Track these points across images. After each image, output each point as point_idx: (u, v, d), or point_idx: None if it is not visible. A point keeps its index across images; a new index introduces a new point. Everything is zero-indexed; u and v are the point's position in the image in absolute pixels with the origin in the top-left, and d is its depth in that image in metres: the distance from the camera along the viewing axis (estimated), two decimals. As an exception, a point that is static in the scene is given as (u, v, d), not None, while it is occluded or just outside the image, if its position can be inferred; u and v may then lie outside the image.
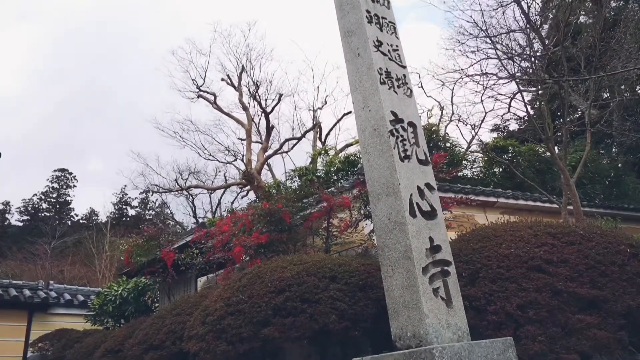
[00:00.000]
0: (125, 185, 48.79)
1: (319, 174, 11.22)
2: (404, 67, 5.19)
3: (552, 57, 11.28)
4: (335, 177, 10.86)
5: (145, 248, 8.94)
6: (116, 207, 50.42)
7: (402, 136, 4.74)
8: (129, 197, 50.43)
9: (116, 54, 61.41)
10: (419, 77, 18.90)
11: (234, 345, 4.52)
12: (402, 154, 4.62)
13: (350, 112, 18.56)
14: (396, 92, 4.97)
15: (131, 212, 51.85)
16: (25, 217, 49.37)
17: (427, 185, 4.70)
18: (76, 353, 9.18)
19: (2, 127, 55.86)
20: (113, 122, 62.89)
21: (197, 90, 18.54)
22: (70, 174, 53.09)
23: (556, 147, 10.18)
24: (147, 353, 5.93)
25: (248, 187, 16.83)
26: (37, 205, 50.99)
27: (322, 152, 12.17)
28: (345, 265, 5.39)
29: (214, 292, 5.66)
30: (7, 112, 59.40)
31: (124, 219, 48.88)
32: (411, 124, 4.97)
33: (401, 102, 4.98)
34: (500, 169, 13.01)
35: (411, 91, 5.22)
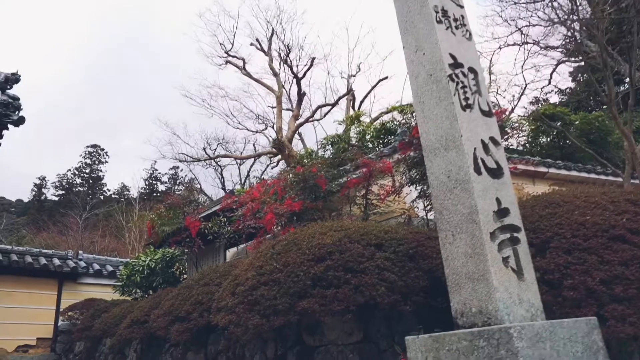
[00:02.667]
0: (156, 161, 49.19)
1: (352, 142, 10.56)
2: (462, 6, 4.45)
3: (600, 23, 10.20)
4: (370, 145, 10.17)
5: (169, 217, 8.50)
6: (146, 182, 51.03)
7: (462, 82, 4.02)
8: (159, 173, 50.94)
9: (144, 26, 61.34)
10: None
11: (268, 318, 3.99)
12: (464, 103, 3.92)
13: (386, 78, 17.60)
14: (454, 34, 4.24)
15: (161, 187, 52.34)
16: (60, 192, 50.46)
17: (492, 139, 3.99)
18: (103, 323, 8.94)
19: (38, 105, 56.79)
20: (143, 99, 63.23)
21: (226, 55, 17.82)
22: (102, 149, 53.84)
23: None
24: (172, 325, 5.49)
25: (278, 157, 16.22)
26: (71, 180, 52.02)
27: (356, 119, 11.47)
28: (391, 232, 4.79)
29: (244, 261, 5.15)
30: (44, 89, 60.35)
31: (154, 194, 49.38)
32: (471, 69, 4.24)
33: (460, 44, 4.25)
34: (549, 139, 12.06)
35: (470, 34, 4.48)
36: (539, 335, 3.05)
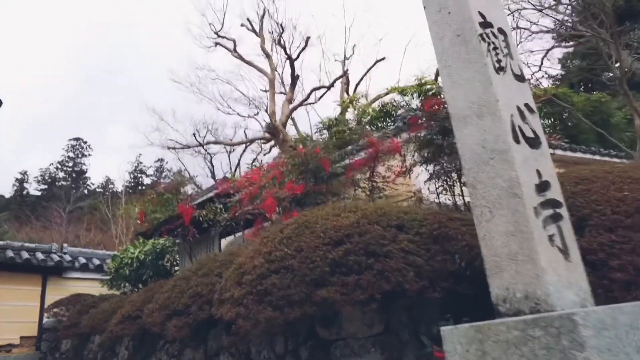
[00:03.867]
0: (140, 154, 48.26)
1: (350, 126, 10.09)
2: (486, -39, 4.01)
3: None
4: (369, 128, 9.71)
5: (161, 204, 7.96)
6: (132, 175, 50.20)
7: (493, 43, 3.58)
8: (144, 166, 50.11)
9: (131, 15, 59.89)
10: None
11: (282, 310, 3.53)
12: (496, 65, 3.48)
13: (383, 59, 16.95)
14: (480, -10, 3.80)
15: (146, 180, 51.52)
16: (42, 186, 49.36)
17: (527, 106, 3.57)
18: (92, 319, 8.42)
19: (19, 99, 55.22)
20: (129, 90, 61.92)
21: (215, 36, 17.07)
22: (85, 142, 52.77)
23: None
24: (169, 320, 5.01)
25: (271, 143, 15.65)
26: (53, 175, 50.94)
27: (352, 102, 10.99)
28: (411, 213, 4.37)
29: (247, 248, 4.68)
30: (24, 84, 58.67)
31: (139, 187, 48.61)
32: (501, 30, 3.80)
33: (488, 2, 3.80)
34: (550, 121, 11.73)
35: (496, -8, 4.03)
36: (603, 322, 2.64)
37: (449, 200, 6.11)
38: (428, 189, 6.23)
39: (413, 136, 6.34)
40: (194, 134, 15.98)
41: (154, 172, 50.64)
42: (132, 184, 48.12)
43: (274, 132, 13.66)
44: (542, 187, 3.16)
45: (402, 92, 10.11)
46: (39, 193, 47.81)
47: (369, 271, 3.55)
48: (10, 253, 11.38)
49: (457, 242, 4.01)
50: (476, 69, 3.37)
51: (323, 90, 16.74)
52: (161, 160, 47.36)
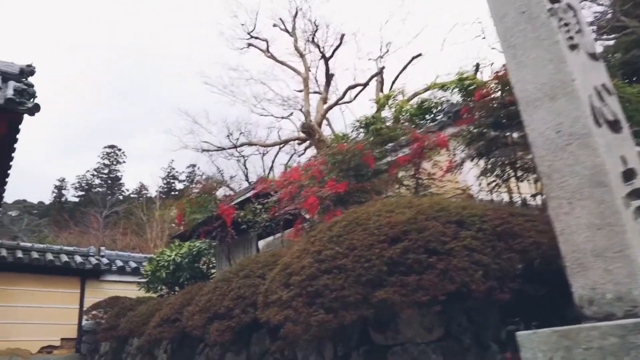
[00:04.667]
0: (173, 160, 48.86)
1: (388, 124, 9.76)
2: None
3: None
4: (407, 125, 9.35)
5: (200, 204, 7.82)
6: (164, 181, 50.93)
7: (563, 19, 3.24)
8: (177, 171, 50.72)
9: (163, 22, 60.86)
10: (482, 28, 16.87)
11: (336, 313, 3.25)
12: (569, 42, 3.13)
13: (420, 55, 16.47)
14: (545, -37, 3.45)
15: (179, 185, 52.18)
16: (80, 193, 50.48)
17: (604, 87, 3.20)
18: (130, 322, 8.33)
19: (56, 108, 56.82)
20: (162, 96, 62.97)
21: (248, 37, 17.01)
22: (120, 150, 53.84)
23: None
24: (211, 323, 4.79)
25: (306, 144, 15.43)
26: (90, 181, 52.09)
27: (389, 99, 10.66)
28: (469, 208, 4.03)
29: (292, 248, 4.42)
30: (61, 92, 60.37)
31: (172, 192, 49.25)
32: (570, 6, 3.44)
33: (553, -24, 3.45)
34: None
35: (561, -34, 3.66)
36: None
37: (502, 197, 5.73)
38: (480, 184, 5.85)
39: (462, 129, 5.98)
40: (228, 136, 15.87)
41: (186, 177, 51.26)
42: (165, 189, 48.83)
43: (309, 131, 13.42)
44: (629, 175, 2.81)
45: (443, 87, 9.75)
46: (76, 199, 48.96)
47: (431, 270, 3.24)
48: (49, 256, 11.50)
49: (523, 239, 3.65)
50: (546, 47, 3.04)
51: (358, 89, 16.47)
52: (193, 165, 47.87)
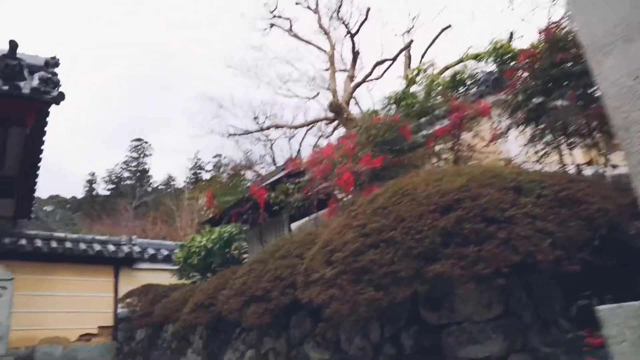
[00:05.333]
0: (198, 151, 49.10)
1: (419, 99, 9.34)
2: None
3: None
4: (440, 99, 8.92)
5: (231, 187, 7.62)
6: (191, 171, 51.38)
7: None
8: (203, 162, 51.07)
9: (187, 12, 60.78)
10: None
11: (387, 290, 2.97)
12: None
13: (449, 27, 15.71)
14: None
15: (205, 175, 52.61)
16: (110, 186, 51.41)
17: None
18: (164, 308, 8.24)
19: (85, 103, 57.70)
20: (186, 87, 63.28)
21: (270, 16, 16.61)
22: (146, 143, 54.56)
23: None
24: (247, 306, 4.58)
25: (334, 124, 15.07)
26: (119, 175, 52.95)
27: (420, 71, 10.22)
28: (524, 174, 3.69)
29: (331, 224, 4.15)
30: (88, 87, 61.29)
31: (199, 182, 49.67)
32: None
33: None
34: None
35: None
36: None
37: (551, 166, 5.32)
38: (526, 153, 5.45)
39: (504, 97, 5.58)
40: (255, 118, 15.59)
41: (213, 167, 51.60)
42: (193, 180, 49.27)
43: (337, 110, 13.06)
44: None
45: (476, 58, 9.28)
46: (107, 192, 49.87)
47: (491, 240, 2.92)
48: (83, 245, 11.55)
49: (587, 205, 3.29)
50: (620, -21, 2.65)
51: (386, 66, 15.91)
52: (219, 155, 48.11)
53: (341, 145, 6.73)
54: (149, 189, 49.61)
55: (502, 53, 8.99)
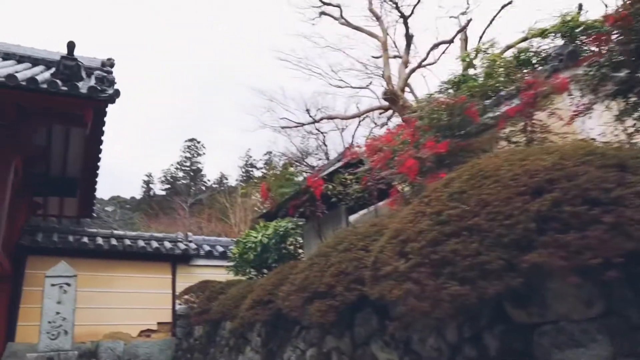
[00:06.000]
0: (250, 149, 49.74)
1: (479, 81, 8.75)
2: None
3: None
4: (502, 79, 8.29)
5: (286, 179, 7.38)
6: (243, 169, 52.17)
7: None
8: (254, 159, 51.77)
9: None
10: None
11: (474, 284, 2.59)
12: None
13: (510, 3, 14.72)
14: None
15: (257, 173, 53.26)
16: (166, 186, 53.08)
17: None
18: (221, 305, 8.15)
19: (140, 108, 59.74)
20: (236, 81, 64.22)
21: (320, 4, 16.12)
22: (199, 142, 55.96)
23: None
24: (310, 303, 4.30)
25: (388, 114, 14.56)
26: (174, 174, 54.55)
27: (479, 51, 9.59)
28: (624, 150, 3.19)
29: (400, 213, 3.80)
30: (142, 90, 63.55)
31: (251, 180, 50.37)
32: None
33: None
34: None
35: None
36: None
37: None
38: (613, 131, 4.86)
39: (582, 70, 5.01)
40: (307, 110, 15.23)
41: (264, 164, 52.17)
42: (244, 177, 50.02)
43: (392, 98, 12.57)
44: None
45: (542, 34, 8.59)
46: (163, 192, 51.47)
47: (596, 226, 2.48)
48: (141, 243, 11.75)
49: None
50: None
51: (442, 50, 15.16)
52: (269, 152, 48.63)
53: (401, 131, 6.35)
54: (203, 188, 50.83)
55: (572, 26, 8.27)
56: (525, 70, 8.63)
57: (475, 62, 9.98)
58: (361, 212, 6.76)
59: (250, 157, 51.74)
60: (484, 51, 9.49)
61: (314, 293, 4.27)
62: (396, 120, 12.85)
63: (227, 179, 51.48)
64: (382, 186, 6.09)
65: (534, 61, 8.61)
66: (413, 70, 14.09)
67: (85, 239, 11.21)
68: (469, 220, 2.83)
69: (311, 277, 4.41)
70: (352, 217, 7.51)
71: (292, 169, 7.47)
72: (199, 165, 55.33)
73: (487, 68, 8.87)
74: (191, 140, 55.93)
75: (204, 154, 56.05)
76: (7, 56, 10.40)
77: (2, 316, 9.69)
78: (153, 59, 72.99)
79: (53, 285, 7.12)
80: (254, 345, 7.24)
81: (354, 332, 4.48)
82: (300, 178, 7.33)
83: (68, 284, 7.18)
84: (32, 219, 11.93)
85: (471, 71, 9.99)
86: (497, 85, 6.62)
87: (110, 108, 9.37)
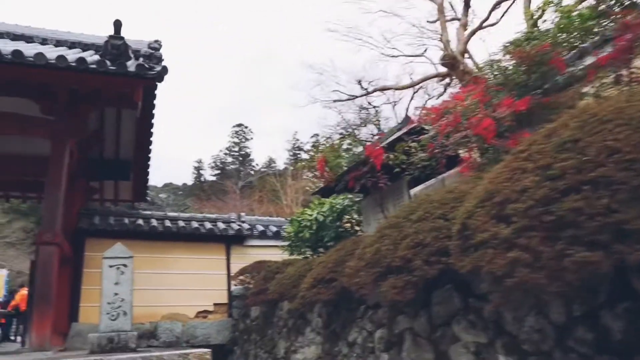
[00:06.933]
0: (297, 132, 49.65)
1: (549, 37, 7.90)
2: None
3: None
4: (577, 33, 7.40)
5: (345, 149, 6.90)
6: (290, 153, 52.26)
7: None
8: (301, 142, 51.70)
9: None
10: None
11: (608, 248, 2.07)
12: None
13: None
14: None
15: (304, 156, 53.22)
16: (216, 171, 53.99)
17: None
18: (278, 284, 7.86)
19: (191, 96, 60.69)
20: (285, 61, 63.88)
21: None
22: (247, 127, 56.55)
23: None
24: (383, 279, 3.85)
25: (445, 82, 13.66)
26: (223, 160, 55.38)
27: (549, 4, 8.66)
28: None
29: (489, 174, 3.26)
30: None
31: (298, 163, 50.36)
32: None
33: None
34: None
35: None
36: None
37: None
38: None
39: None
40: (359, 82, 14.42)
41: (311, 147, 52.01)
42: (292, 160, 50.05)
43: (451, 63, 11.74)
44: None
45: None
46: (213, 178, 52.41)
47: None
48: (195, 224, 11.68)
49: None
50: None
51: (503, 9, 13.98)
52: (316, 135, 48.40)
53: (470, 92, 5.73)
54: (252, 172, 51.34)
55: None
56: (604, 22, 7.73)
57: (542, 19, 9.05)
58: (424, 184, 6.22)
59: (297, 140, 51.70)
60: (556, 4, 8.54)
61: (387, 268, 3.81)
62: (455, 88, 11.97)
63: (275, 163, 51.77)
64: (450, 153, 5.54)
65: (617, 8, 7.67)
66: (473, 32, 13.04)
67: (140, 221, 11.24)
68: (592, 172, 2.28)
69: (383, 250, 3.95)
70: (414, 190, 6.96)
71: (350, 140, 6.98)
72: (247, 150, 55.95)
73: (561, 20, 7.99)
74: (239, 125, 56.57)
75: (251, 138, 56.63)
76: (59, 43, 10.44)
77: (66, 297, 9.85)
78: (199, 44, 73.83)
79: (110, 266, 7.02)
80: (315, 326, 6.91)
81: (431, 311, 4.01)
82: (359, 149, 6.82)
83: (125, 265, 7.07)
84: (88, 203, 12.10)
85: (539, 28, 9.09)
86: (572, 40, 5.84)
87: (158, 98, 9.30)
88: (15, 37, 10.47)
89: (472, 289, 3.68)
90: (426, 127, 5.79)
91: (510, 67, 5.20)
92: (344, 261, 5.27)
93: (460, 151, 5.53)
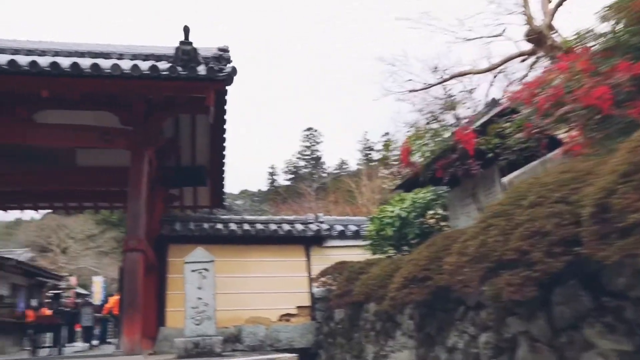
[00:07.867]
0: (367, 132, 49.15)
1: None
2: None
3: None
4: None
5: (433, 134, 6.35)
6: (362, 153, 51.92)
7: None
8: (372, 142, 51.14)
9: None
10: None
11: None
12: None
13: None
14: None
15: (375, 155, 52.70)
16: (289, 176, 54.83)
17: None
18: (363, 285, 7.45)
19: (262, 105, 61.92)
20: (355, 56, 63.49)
21: None
22: (316, 131, 56.96)
23: None
24: (493, 275, 3.33)
25: (531, 60, 12.50)
26: (296, 164, 56.12)
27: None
28: None
29: (629, 142, 2.67)
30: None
31: (370, 163, 50.04)
32: None
33: None
34: None
35: None
36: None
37: None
38: None
39: None
40: (434, 69, 13.62)
41: (383, 146, 51.33)
42: (364, 161, 49.60)
43: (538, 39, 10.73)
44: None
45: None
46: (287, 182, 53.21)
47: None
48: (273, 226, 11.59)
49: None
50: None
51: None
52: (387, 133, 47.64)
53: (573, 62, 5.03)
54: (324, 175, 51.51)
55: None
56: None
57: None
58: (521, 170, 5.55)
59: (368, 139, 51.16)
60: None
61: (497, 262, 3.29)
62: (541, 66, 10.88)
63: (346, 164, 51.57)
64: (551, 132, 4.87)
65: None
66: (560, 4, 11.78)
67: (220, 226, 11.32)
68: None
69: (490, 243, 3.42)
70: (508, 178, 6.30)
71: (438, 124, 6.42)
72: (319, 153, 56.30)
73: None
74: (309, 129, 57.13)
75: (322, 141, 56.97)
76: (134, 57, 10.74)
77: (153, 302, 10.07)
78: (265, 49, 75.38)
79: (192, 271, 6.99)
80: (406, 329, 6.43)
81: (552, 311, 3.42)
82: (447, 134, 6.27)
83: (206, 269, 7.02)
84: (169, 210, 12.38)
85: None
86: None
87: (229, 105, 9.29)
88: (94, 55, 10.92)
89: (603, 284, 3.07)
90: (519, 107, 5.14)
91: (621, 28, 4.45)
92: (438, 258, 4.77)
93: (562, 129, 4.85)
